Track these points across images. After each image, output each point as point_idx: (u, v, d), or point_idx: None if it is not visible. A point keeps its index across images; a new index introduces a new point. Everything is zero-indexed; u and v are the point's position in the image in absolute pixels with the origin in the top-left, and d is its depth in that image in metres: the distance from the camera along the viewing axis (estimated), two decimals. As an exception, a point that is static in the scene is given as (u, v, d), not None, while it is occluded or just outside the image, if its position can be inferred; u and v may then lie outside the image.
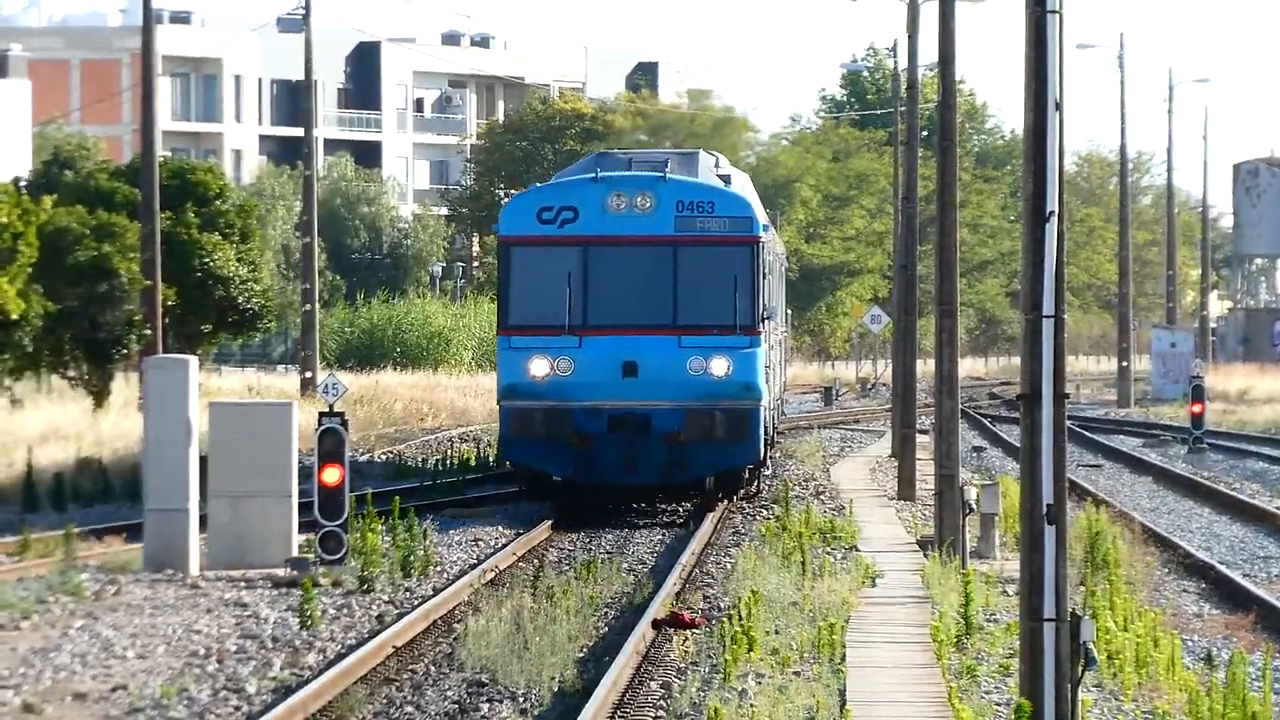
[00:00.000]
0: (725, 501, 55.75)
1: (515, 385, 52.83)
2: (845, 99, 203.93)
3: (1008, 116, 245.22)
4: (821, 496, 64.89)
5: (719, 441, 52.04)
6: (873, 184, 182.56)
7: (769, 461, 62.92)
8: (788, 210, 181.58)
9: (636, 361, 51.86)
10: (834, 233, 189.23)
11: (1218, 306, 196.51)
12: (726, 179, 55.40)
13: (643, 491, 54.56)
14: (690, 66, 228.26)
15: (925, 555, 48.21)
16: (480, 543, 52.26)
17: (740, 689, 31.92)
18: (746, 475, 56.43)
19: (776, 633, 36.18)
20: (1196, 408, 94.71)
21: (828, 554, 47.32)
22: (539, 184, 58.22)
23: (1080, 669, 26.76)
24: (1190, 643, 37.11)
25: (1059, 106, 27.29)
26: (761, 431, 54.00)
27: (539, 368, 52.35)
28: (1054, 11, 27.31)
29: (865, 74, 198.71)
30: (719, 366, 52.01)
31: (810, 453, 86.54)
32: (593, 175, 53.86)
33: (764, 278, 53.27)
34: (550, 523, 55.78)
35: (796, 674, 33.11)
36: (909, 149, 75.17)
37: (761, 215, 54.79)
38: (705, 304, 52.31)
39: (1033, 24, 27.42)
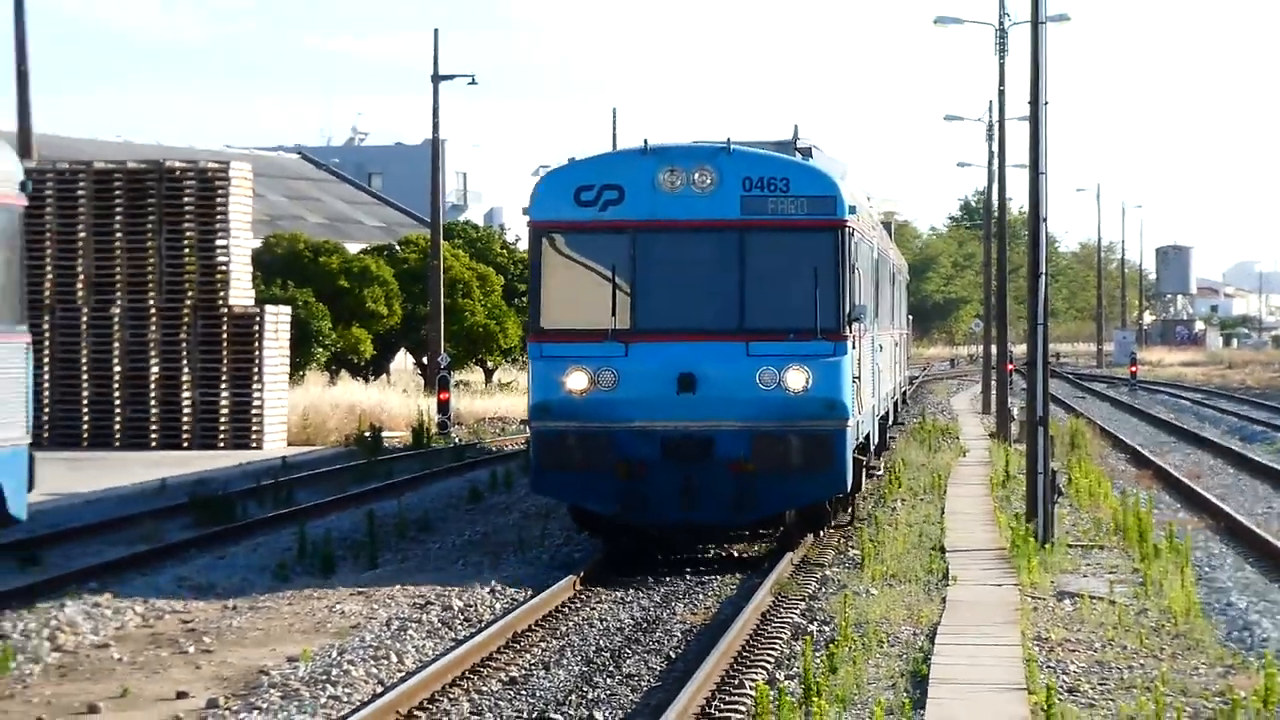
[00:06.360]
0: (812, 537, 26.33)
1: (547, 403, 23.84)
2: (963, 215, 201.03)
3: (1055, 228, 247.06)
4: (943, 412, 64.63)
5: (795, 471, 23.71)
6: (976, 259, 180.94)
7: (861, 487, 29.02)
8: (933, 269, 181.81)
9: (695, 374, 23.50)
10: (958, 281, 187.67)
11: (1148, 318, 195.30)
12: (807, 153, 26.27)
13: (707, 531, 25.37)
14: (885, 196, 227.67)
15: (991, 441, 48.06)
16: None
17: (892, 506, 31.61)
18: (833, 508, 26.90)
19: (912, 479, 35.95)
20: (1133, 369, 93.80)
21: (942, 441, 47.06)
22: (577, 158, 24.93)
23: (1055, 496, 26.75)
24: (1117, 484, 36.72)
25: (1044, 220, 27.31)
26: (848, 456, 24.24)
27: (577, 381, 23.72)
28: (1042, 173, 27.37)
29: (974, 201, 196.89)
30: (796, 379, 23.54)
31: (940, 390, 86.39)
32: (641, 147, 24.08)
33: (852, 269, 24.59)
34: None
35: (921, 499, 32.88)
36: (986, 242, 74.71)
37: (850, 195, 24.91)
38: (779, 302, 23.65)
39: (1033, 181, 27.48)
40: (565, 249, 24.23)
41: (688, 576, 23.99)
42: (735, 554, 26.00)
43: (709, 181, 23.84)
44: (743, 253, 23.77)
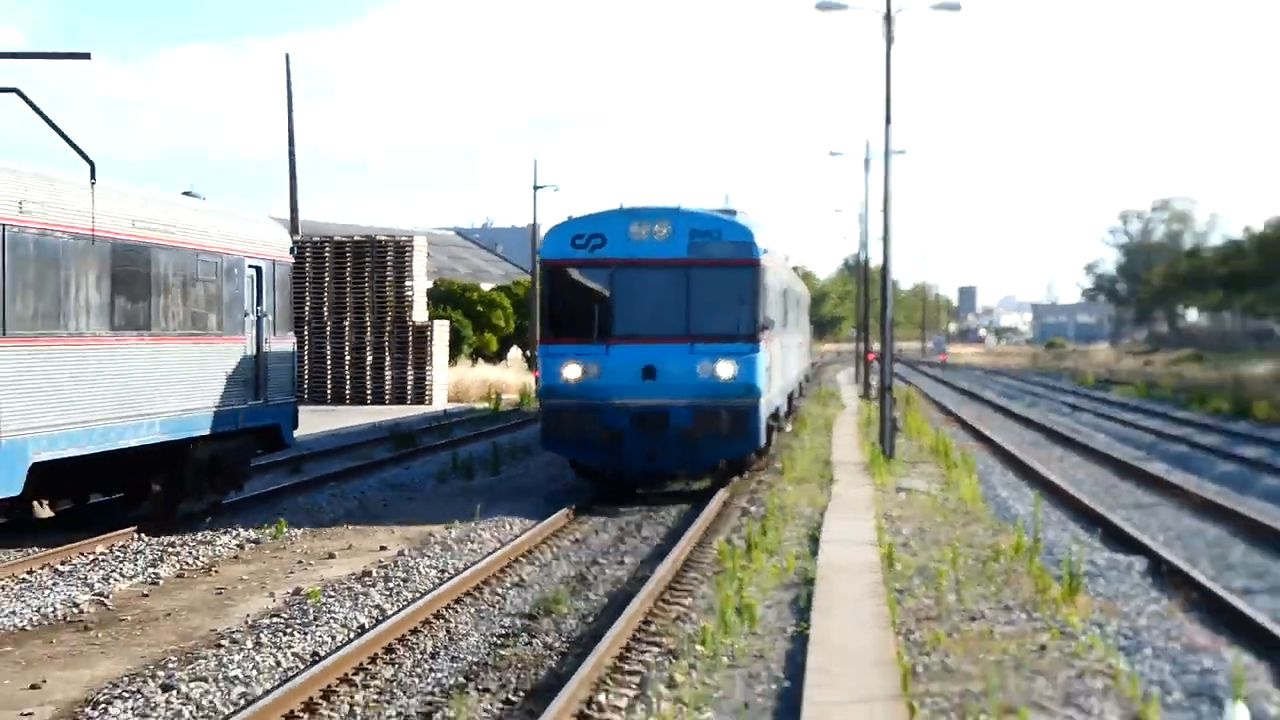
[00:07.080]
0: (737, 477, 23.04)
1: (552, 386, 21.17)
2: (845, 267, 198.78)
3: (897, 275, 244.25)
4: (831, 383, 64.29)
5: (724, 434, 21.15)
6: (852, 294, 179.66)
7: (772, 444, 26.14)
8: (827, 299, 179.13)
9: (655, 366, 21.05)
10: (841, 306, 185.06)
11: (952, 327, 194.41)
12: (731, 213, 22.34)
13: (664, 476, 23.07)
14: (797, 253, 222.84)
15: (860, 401, 47.60)
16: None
17: (801, 439, 30.93)
18: (753, 458, 24.01)
19: (812, 423, 35.62)
20: (943, 357, 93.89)
21: (831, 401, 46.73)
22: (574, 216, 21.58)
23: (894, 433, 26.76)
24: (933, 424, 36.64)
25: (890, 272, 27.15)
26: (761, 424, 21.65)
27: (572, 371, 21.11)
28: (889, 239, 27.27)
29: (851, 260, 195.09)
30: (724, 370, 21.13)
31: (831, 371, 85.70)
32: (619, 209, 21.61)
33: (764, 293, 21.75)
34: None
35: (817, 435, 32.31)
36: (858, 285, 74.00)
37: (763, 242, 22.06)
38: (713, 316, 21.19)
39: (883, 247, 27.39)
40: (565, 278, 21.39)
41: (684, 488, 24.18)
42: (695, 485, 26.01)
43: (665, 232, 21.21)
44: (689, 281, 21.08)
